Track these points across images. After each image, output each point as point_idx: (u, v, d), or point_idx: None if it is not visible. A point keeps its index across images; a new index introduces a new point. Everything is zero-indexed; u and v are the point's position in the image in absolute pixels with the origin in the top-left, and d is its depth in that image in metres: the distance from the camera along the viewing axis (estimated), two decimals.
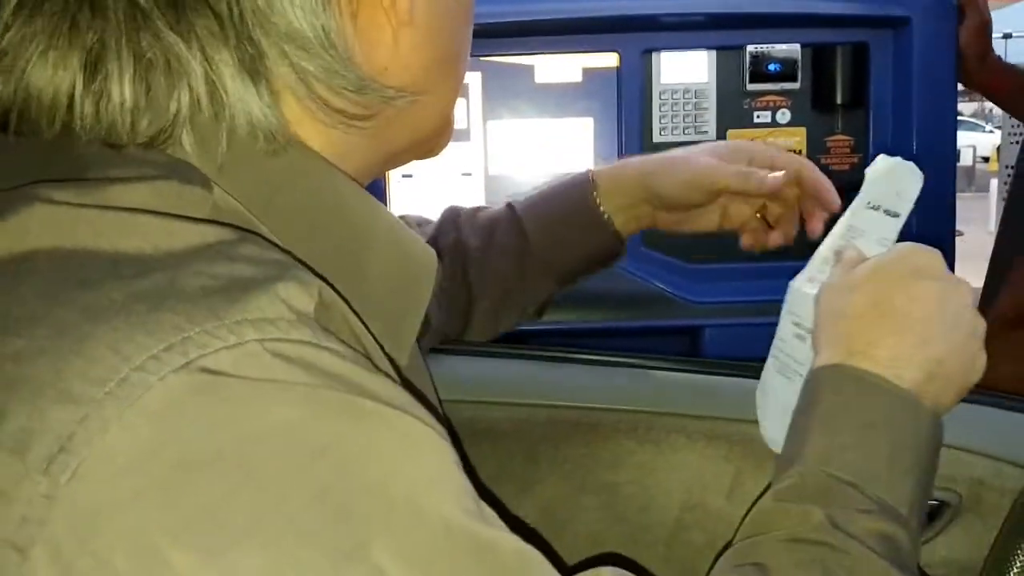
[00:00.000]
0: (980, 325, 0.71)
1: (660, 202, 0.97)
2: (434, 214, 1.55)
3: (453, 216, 1.03)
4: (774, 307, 0.86)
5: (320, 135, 0.53)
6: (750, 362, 0.99)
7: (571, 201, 0.99)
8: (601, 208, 0.98)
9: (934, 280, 0.70)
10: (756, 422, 0.95)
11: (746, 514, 0.66)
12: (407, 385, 0.54)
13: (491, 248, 1.00)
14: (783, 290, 0.86)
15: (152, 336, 0.38)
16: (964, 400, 0.97)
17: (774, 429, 0.83)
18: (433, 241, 1.01)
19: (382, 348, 0.53)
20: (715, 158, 0.96)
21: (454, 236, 1.01)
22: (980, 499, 0.95)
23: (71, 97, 0.47)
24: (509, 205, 1.02)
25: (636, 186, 0.98)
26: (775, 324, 0.87)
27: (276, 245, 0.48)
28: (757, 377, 0.98)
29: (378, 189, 1.65)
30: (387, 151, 0.59)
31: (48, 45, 0.47)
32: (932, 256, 0.72)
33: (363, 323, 0.50)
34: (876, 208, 0.82)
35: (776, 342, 0.84)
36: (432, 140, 0.63)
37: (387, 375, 0.45)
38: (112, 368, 0.37)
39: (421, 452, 0.41)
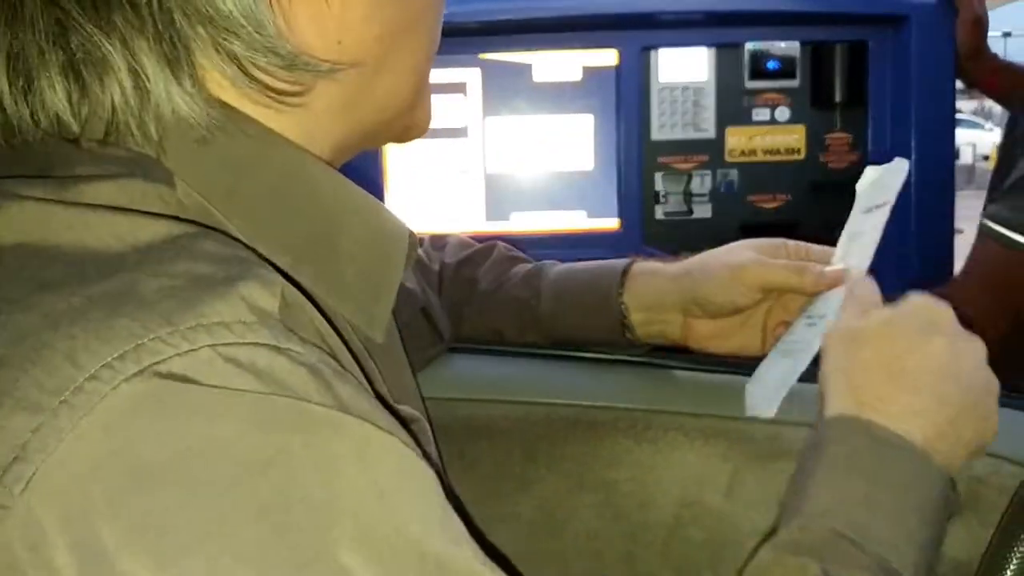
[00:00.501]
0: (994, 384, 0.69)
1: (699, 308, 0.91)
2: (432, 212, 1.56)
3: (486, 252, 1.03)
4: None
5: (275, 118, 0.52)
6: (748, 360, 0.99)
7: (594, 289, 0.96)
8: (623, 306, 0.94)
9: (947, 337, 0.68)
10: (754, 420, 0.95)
11: (744, 564, 0.65)
12: (381, 375, 0.56)
13: (497, 300, 0.99)
14: None
15: (107, 344, 0.38)
16: None
17: (758, 395, 0.85)
18: (456, 267, 1.02)
19: (344, 339, 0.52)
20: (756, 254, 0.90)
21: (471, 272, 1.01)
22: (978, 497, 0.95)
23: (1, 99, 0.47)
24: (542, 267, 1.00)
25: (670, 289, 0.93)
26: None
27: (240, 241, 0.48)
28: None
29: (376, 186, 1.65)
30: (357, 130, 0.58)
31: None
32: (944, 311, 0.69)
33: (329, 320, 0.50)
34: (869, 210, 0.83)
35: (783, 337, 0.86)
36: (405, 118, 0.61)
37: (355, 375, 0.45)
38: (68, 377, 0.37)
39: (375, 462, 0.40)
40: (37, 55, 0.47)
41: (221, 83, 0.50)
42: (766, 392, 0.85)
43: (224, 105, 0.51)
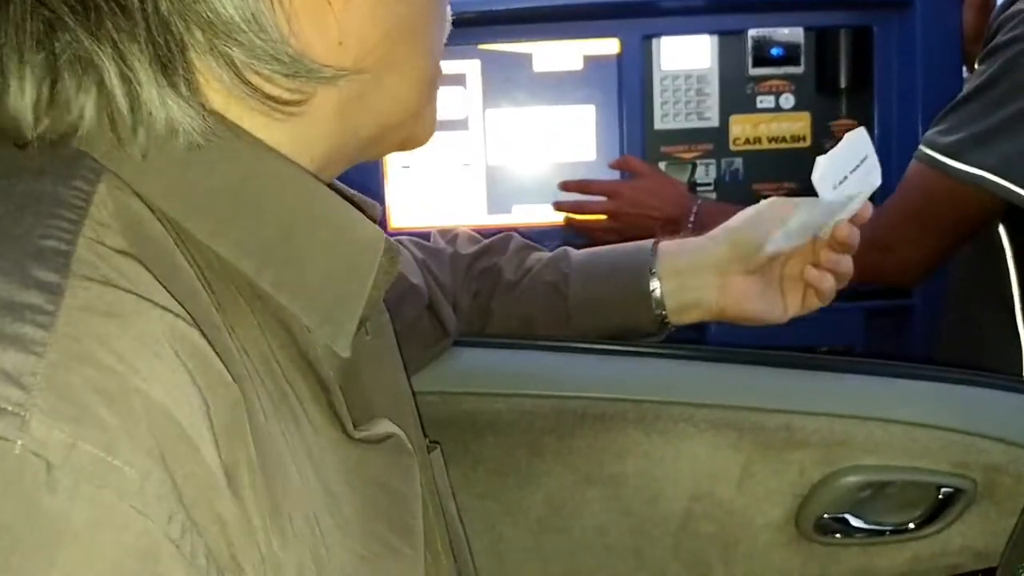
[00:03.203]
0: None
1: (735, 251, 0.95)
2: (433, 206, 1.55)
3: (504, 244, 1.04)
4: None
5: (262, 126, 0.51)
6: (757, 349, 0.97)
7: (625, 265, 0.98)
8: (654, 287, 0.96)
9: None
10: (765, 410, 0.93)
11: None
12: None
13: (523, 288, 0.99)
14: None
15: None
16: (978, 384, 0.96)
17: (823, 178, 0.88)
18: (473, 259, 1.02)
19: (297, 339, 0.51)
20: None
21: (493, 262, 1.02)
22: (996, 485, 0.93)
23: None
24: (566, 251, 1.01)
25: (704, 245, 0.97)
26: None
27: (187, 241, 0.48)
28: (765, 364, 0.96)
29: (376, 179, 1.63)
30: (355, 140, 0.57)
31: None
32: None
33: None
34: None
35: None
36: (407, 127, 0.59)
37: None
38: None
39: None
40: (16, 57, 0.45)
41: (216, 90, 0.49)
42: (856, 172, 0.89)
43: (214, 113, 0.49)
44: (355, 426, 0.56)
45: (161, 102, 0.46)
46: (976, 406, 0.94)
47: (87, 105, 0.46)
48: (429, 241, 1.04)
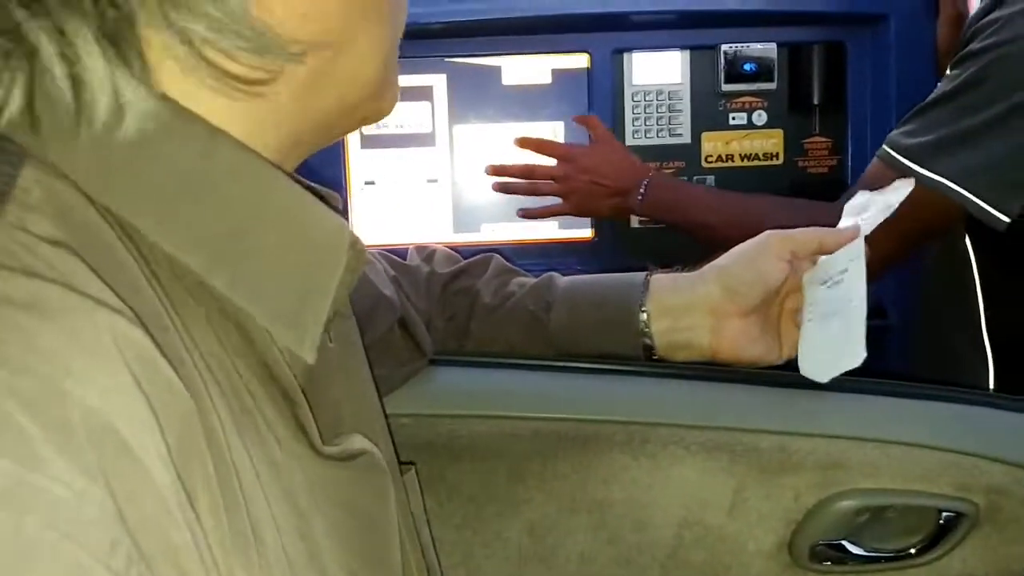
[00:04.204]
0: None
1: (729, 294, 0.89)
2: (398, 224, 1.50)
3: (483, 265, 0.99)
4: None
5: (219, 108, 0.46)
6: (751, 369, 0.93)
7: (613, 300, 0.92)
8: (646, 314, 0.91)
9: None
10: (759, 431, 0.88)
11: None
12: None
13: (503, 314, 0.94)
14: None
15: None
16: (980, 403, 0.92)
17: (827, 358, 0.86)
18: (451, 279, 0.97)
19: (254, 340, 0.46)
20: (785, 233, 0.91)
21: (470, 283, 0.96)
22: (998, 509, 0.89)
23: None
24: (551, 278, 0.96)
25: (697, 285, 0.91)
26: None
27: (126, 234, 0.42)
28: (759, 383, 0.92)
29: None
30: (315, 119, 0.51)
31: None
32: None
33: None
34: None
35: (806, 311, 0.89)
36: (369, 103, 0.54)
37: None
38: None
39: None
40: None
41: (170, 70, 0.43)
42: (838, 348, 0.86)
43: (165, 95, 0.44)
44: (323, 442, 0.50)
45: (109, 82, 0.41)
46: (978, 426, 0.90)
47: (15, 86, 0.40)
48: (406, 258, 0.98)
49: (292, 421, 0.48)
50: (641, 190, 1.42)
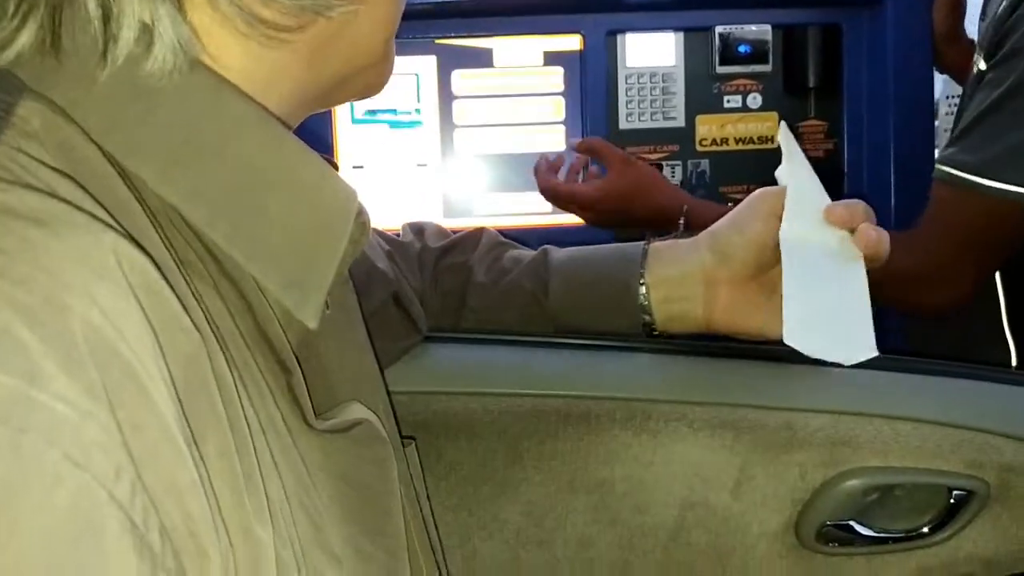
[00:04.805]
0: None
1: (721, 258, 0.85)
2: (386, 207, 1.46)
3: (474, 239, 0.95)
4: None
5: (241, 52, 0.45)
6: (753, 343, 0.90)
7: (611, 275, 0.89)
8: (645, 286, 0.87)
9: None
10: (764, 407, 0.86)
11: None
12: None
13: (499, 293, 0.91)
14: None
15: None
16: (991, 379, 0.90)
17: (825, 339, 0.80)
18: (442, 253, 0.94)
19: (250, 303, 0.44)
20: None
21: (463, 259, 0.93)
22: (1009, 487, 0.87)
23: None
24: (546, 253, 0.92)
25: (690, 251, 0.87)
26: None
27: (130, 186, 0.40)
28: (764, 359, 0.89)
29: None
30: (321, 80, 0.51)
31: None
32: None
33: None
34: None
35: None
36: (369, 73, 0.54)
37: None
38: None
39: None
40: None
41: (198, 6, 0.42)
42: (839, 329, 0.81)
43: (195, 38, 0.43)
44: (318, 412, 0.48)
45: (144, 12, 0.39)
46: (989, 402, 0.88)
47: (30, 18, 0.39)
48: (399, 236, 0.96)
49: (287, 392, 0.46)
50: (681, 221, 1.34)
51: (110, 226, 0.34)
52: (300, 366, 0.48)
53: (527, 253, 0.94)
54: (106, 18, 0.39)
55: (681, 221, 1.29)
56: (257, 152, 0.45)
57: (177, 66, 0.41)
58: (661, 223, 1.31)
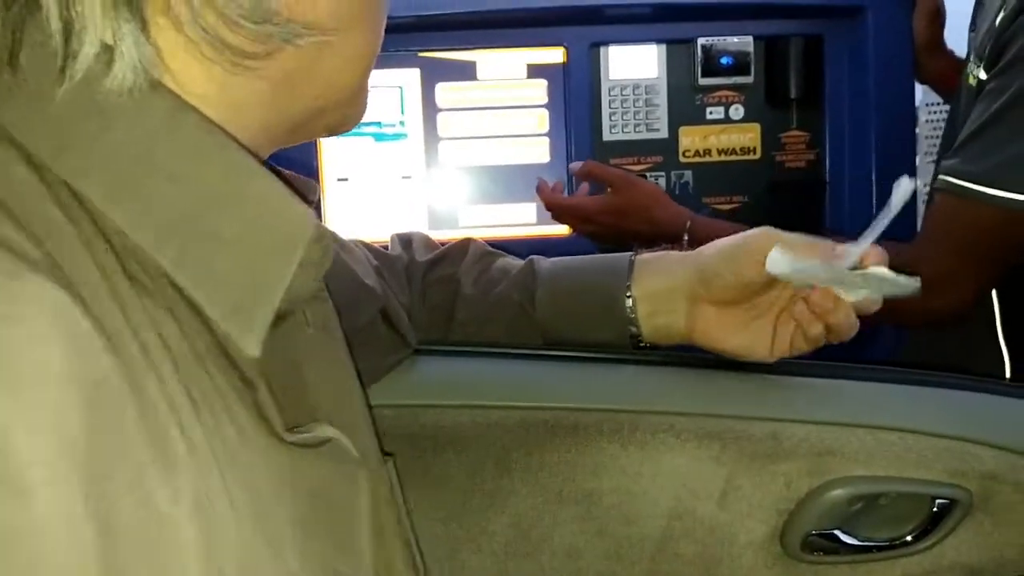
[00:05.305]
0: None
1: (704, 285, 0.85)
2: (371, 219, 1.46)
3: (462, 250, 0.96)
4: None
5: (205, 78, 0.44)
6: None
7: (598, 287, 0.89)
8: (632, 299, 0.88)
9: None
10: (750, 418, 0.87)
11: None
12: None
13: (487, 306, 0.91)
14: None
15: None
16: (972, 388, 0.91)
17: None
18: (430, 267, 0.94)
19: (203, 317, 0.44)
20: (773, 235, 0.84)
21: (451, 271, 0.94)
22: (991, 495, 0.88)
23: None
24: (532, 264, 0.93)
25: (677, 268, 0.87)
26: None
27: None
28: (750, 370, 0.90)
29: None
30: (289, 114, 0.50)
31: None
32: None
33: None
34: None
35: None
36: (339, 110, 0.53)
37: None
38: None
39: None
40: None
41: (162, 27, 0.42)
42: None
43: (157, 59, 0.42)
44: (290, 429, 0.48)
45: (110, 29, 0.39)
46: (970, 411, 0.89)
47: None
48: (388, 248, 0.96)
49: (252, 408, 0.46)
50: (685, 238, 1.33)
51: (21, 254, 0.35)
52: (278, 385, 0.48)
53: (515, 263, 0.95)
54: (67, 34, 0.39)
55: (685, 238, 1.30)
56: (212, 176, 0.44)
57: (137, 85, 0.41)
58: (665, 239, 1.32)
